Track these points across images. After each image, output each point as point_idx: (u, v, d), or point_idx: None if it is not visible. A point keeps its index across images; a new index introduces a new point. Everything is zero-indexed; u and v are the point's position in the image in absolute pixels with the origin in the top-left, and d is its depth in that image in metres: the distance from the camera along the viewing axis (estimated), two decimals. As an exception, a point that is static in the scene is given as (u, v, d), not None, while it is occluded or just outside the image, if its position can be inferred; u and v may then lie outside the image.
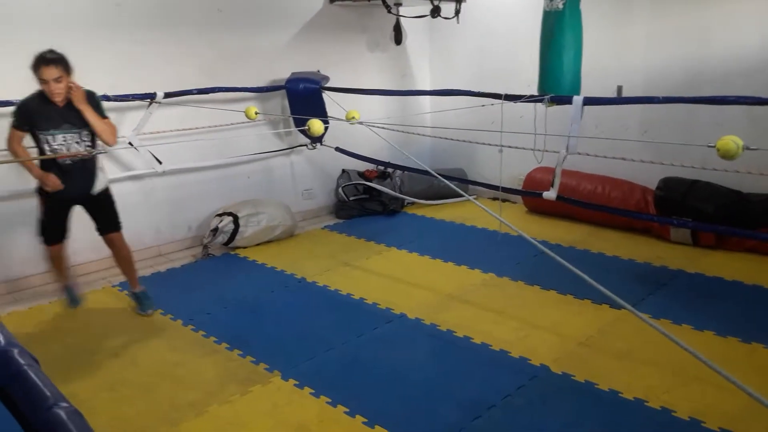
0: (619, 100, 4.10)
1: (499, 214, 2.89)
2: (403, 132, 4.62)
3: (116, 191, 4.37)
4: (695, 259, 4.16)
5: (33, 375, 0.69)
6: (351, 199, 5.54)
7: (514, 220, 5.20)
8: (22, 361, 0.71)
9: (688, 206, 4.32)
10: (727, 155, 2.36)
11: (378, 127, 2.71)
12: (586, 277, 2.06)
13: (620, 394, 2.64)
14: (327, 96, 5.00)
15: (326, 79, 5.11)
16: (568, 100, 3.45)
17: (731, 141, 2.33)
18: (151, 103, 4.37)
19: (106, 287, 4.07)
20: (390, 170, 5.62)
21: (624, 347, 3.04)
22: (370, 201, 5.55)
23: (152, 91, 4.35)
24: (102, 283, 4.15)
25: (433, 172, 3.06)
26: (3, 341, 0.73)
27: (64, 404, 0.64)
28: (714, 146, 2.37)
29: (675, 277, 3.90)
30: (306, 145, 5.34)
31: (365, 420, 2.52)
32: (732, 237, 4.20)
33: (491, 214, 2.85)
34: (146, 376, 2.95)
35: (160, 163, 4.52)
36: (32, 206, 3.43)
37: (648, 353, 2.96)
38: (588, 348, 3.06)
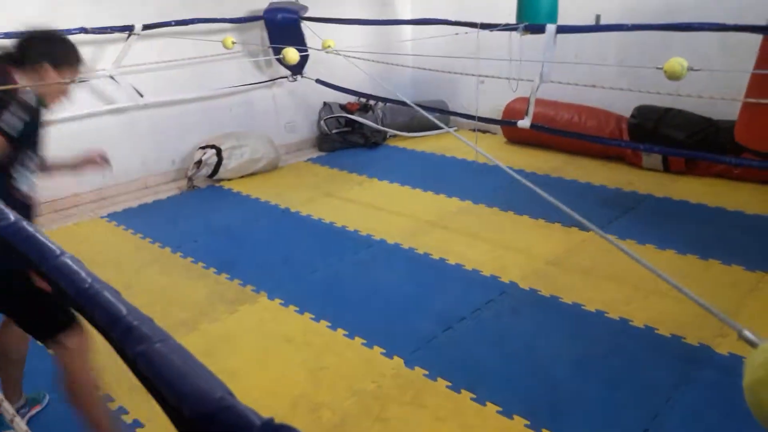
0: (590, 27, 4.14)
1: (475, 145, 3.01)
2: (382, 63, 4.65)
3: (98, 125, 4.44)
4: (665, 184, 4.33)
5: (41, 236, 0.86)
6: (333, 131, 5.61)
7: (492, 150, 5.32)
8: (31, 228, 0.88)
9: (661, 133, 4.46)
10: (673, 76, 2.48)
11: (353, 56, 2.77)
12: (551, 199, 2.21)
13: (583, 307, 2.85)
14: (306, 26, 4.98)
15: (304, 8, 5.08)
16: (541, 29, 3.51)
17: (676, 63, 2.44)
18: (129, 35, 4.36)
19: (94, 218, 4.18)
20: (372, 103, 5.67)
21: (589, 265, 3.24)
22: (352, 134, 5.62)
23: (130, 23, 4.33)
24: (90, 214, 4.26)
25: (410, 103, 3.14)
26: (12, 217, 0.89)
27: (68, 254, 0.82)
28: (662, 68, 2.48)
29: (643, 201, 4.08)
30: (287, 77, 5.36)
31: (346, 332, 2.71)
32: (700, 162, 4.36)
33: (468, 144, 2.98)
34: (139, 299, 3.09)
35: (141, 96, 4.55)
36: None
37: (611, 271, 3.16)
38: (555, 266, 3.25)
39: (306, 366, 2.50)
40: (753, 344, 1.05)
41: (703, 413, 2.15)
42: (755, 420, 1.00)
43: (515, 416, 2.17)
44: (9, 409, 2.00)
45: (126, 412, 2.24)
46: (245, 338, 2.72)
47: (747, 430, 1.99)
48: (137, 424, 2.18)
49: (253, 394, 2.31)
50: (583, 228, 3.60)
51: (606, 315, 2.78)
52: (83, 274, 0.84)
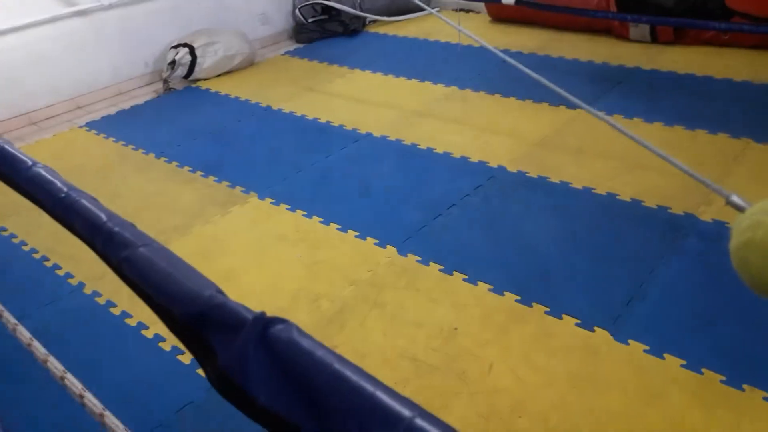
0: None
1: (458, 25, 2.90)
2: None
3: (63, 30, 4.22)
4: (653, 56, 4.24)
5: (11, 148, 0.83)
6: (309, 20, 5.36)
7: (477, 30, 5.13)
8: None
9: (649, 3, 4.29)
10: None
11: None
12: (538, 77, 2.16)
13: (570, 185, 2.88)
14: None
15: None
16: None
17: None
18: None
19: (72, 128, 4.08)
20: (348, -13, 5.38)
21: (576, 143, 3.24)
22: (330, 21, 5.38)
23: None
24: (67, 124, 4.15)
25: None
26: None
27: (42, 164, 0.79)
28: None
29: (631, 74, 4.01)
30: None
31: (339, 226, 2.75)
32: (689, 30, 4.25)
33: (452, 26, 2.87)
34: (129, 207, 3.10)
35: (104, -5, 4.29)
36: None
37: (598, 148, 3.16)
38: (543, 147, 3.25)
39: (302, 261, 2.55)
40: (740, 209, 1.06)
41: (687, 281, 2.24)
42: (736, 286, 1.03)
43: (506, 293, 2.25)
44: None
45: (130, 316, 2.31)
46: (240, 238, 2.76)
47: (729, 295, 2.09)
48: (142, 326, 2.26)
49: (253, 292, 2.38)
50: (570, 106, 3.55)
51: (593, 191, 2.82)
52: (59, 184, 0.82)
